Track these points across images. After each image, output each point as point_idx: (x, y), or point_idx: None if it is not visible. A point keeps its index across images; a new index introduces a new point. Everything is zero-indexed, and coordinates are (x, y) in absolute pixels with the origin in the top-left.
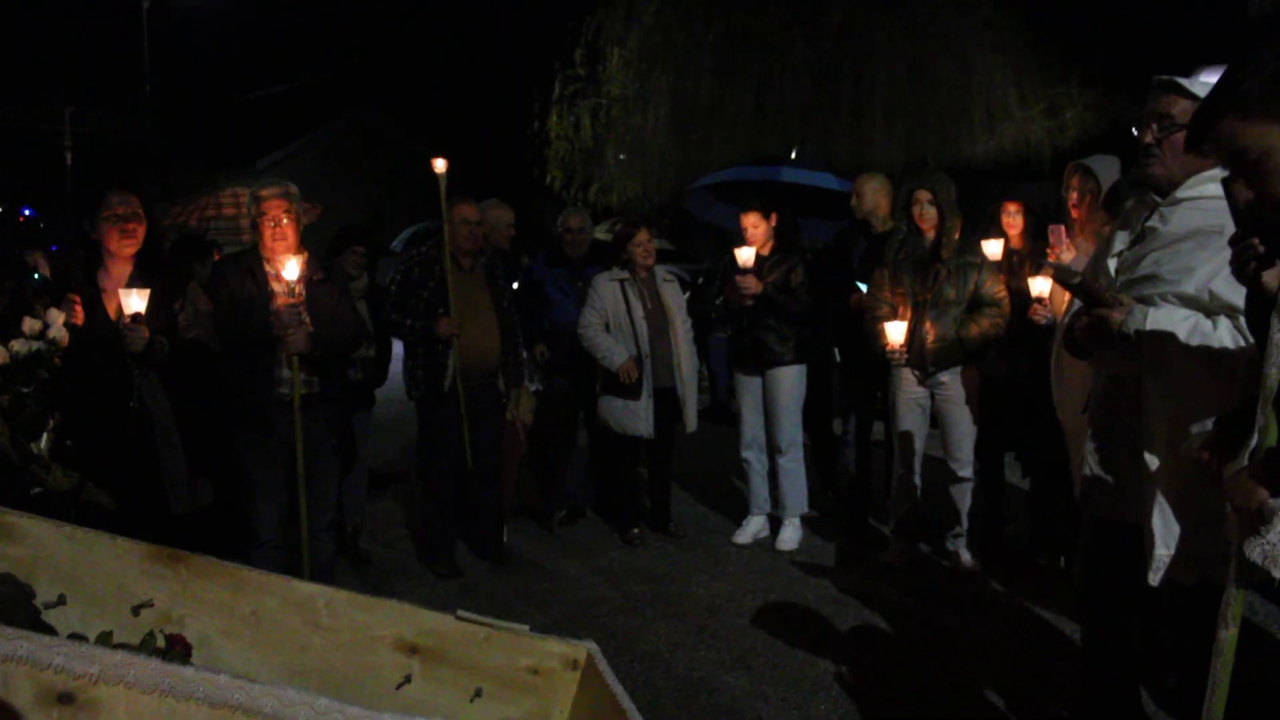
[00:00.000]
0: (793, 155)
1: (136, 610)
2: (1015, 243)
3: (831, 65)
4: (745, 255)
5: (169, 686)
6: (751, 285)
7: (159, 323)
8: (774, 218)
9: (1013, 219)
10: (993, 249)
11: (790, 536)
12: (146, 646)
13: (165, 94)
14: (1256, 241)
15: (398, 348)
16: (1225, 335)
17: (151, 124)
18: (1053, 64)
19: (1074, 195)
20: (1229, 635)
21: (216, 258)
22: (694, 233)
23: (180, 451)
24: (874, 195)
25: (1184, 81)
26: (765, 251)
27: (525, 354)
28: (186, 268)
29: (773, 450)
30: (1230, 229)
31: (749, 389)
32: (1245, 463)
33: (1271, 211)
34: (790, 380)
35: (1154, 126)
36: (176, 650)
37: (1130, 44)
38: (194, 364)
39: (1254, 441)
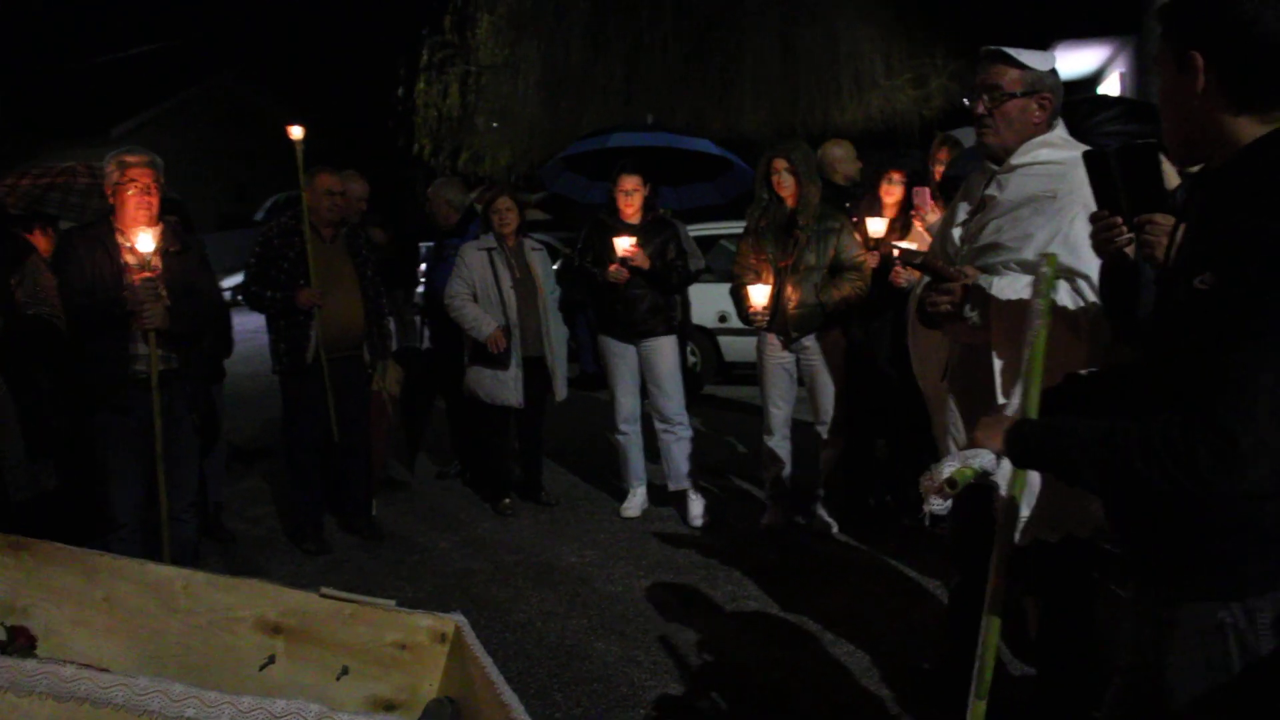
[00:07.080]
0: (649, 120)
1: None
2: (890, 212)
3: (701, 35)
4: (624, 244)
5: (8, 682)
6: (637, 261)
7: None
8: (647, 186)
9: (894, 187)
10: (876, 226)
11: (697, 512)
12: None
13: (3, 55)
14: (1120, 221)
15: (242, 322)
16: (1065, 298)
17: None
18: (919, 35)
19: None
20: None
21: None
22: (571, 203)
23: (18, 434)
24: (842, 163)
25: (1011, 51)
26: (636, 220)
27: (392, 323)
28: (26, 241)
29: (663, 421)
30: (1064, 193)
31: (623, 358)
32: (1006, 412)
33: None
34: (668, 350)
35: (985, 98)
36: (19, 643)
37: (995, 15)
38: (35, 343)
39: (1015, 400)
